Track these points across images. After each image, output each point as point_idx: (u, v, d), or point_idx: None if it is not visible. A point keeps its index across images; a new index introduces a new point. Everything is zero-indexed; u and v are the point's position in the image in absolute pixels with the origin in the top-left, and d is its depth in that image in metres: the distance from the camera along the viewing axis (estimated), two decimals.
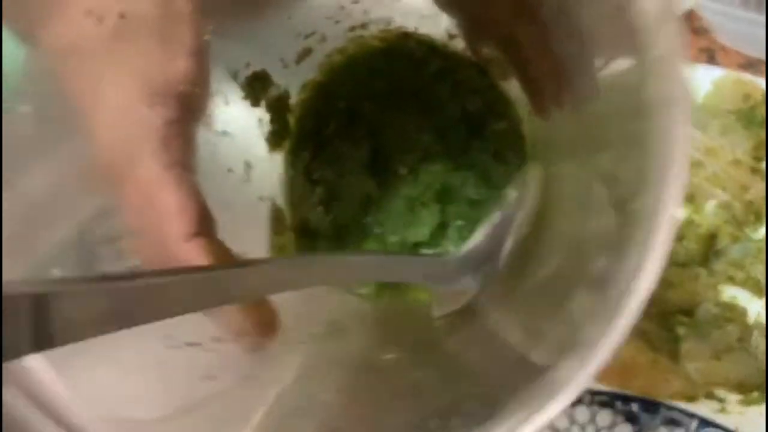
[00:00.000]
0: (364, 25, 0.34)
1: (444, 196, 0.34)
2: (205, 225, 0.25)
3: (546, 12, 0.29)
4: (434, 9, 0.31)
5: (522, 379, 0.24)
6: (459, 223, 0.34)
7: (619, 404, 0.38)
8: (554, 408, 0.22)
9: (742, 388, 0.42)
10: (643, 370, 0.41)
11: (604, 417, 0.38)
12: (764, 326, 0.44)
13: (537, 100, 0.32)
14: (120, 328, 0.19)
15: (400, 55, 0.35)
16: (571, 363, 0.22)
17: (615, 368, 0.41)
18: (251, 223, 0.34)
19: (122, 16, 0.24)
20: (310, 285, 0.26)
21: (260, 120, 0.35)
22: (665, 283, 0.47)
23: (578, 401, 0.38)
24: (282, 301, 0.28)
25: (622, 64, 0.25)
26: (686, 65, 0.22)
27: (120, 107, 0.25)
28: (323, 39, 0.35)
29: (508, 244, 0.30)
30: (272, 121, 0.35)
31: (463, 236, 0.34)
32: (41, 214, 0.29)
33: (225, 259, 0.25)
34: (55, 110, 0.27)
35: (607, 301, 0.23)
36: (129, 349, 0.27)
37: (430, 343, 0.32)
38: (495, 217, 0.31)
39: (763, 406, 0.40)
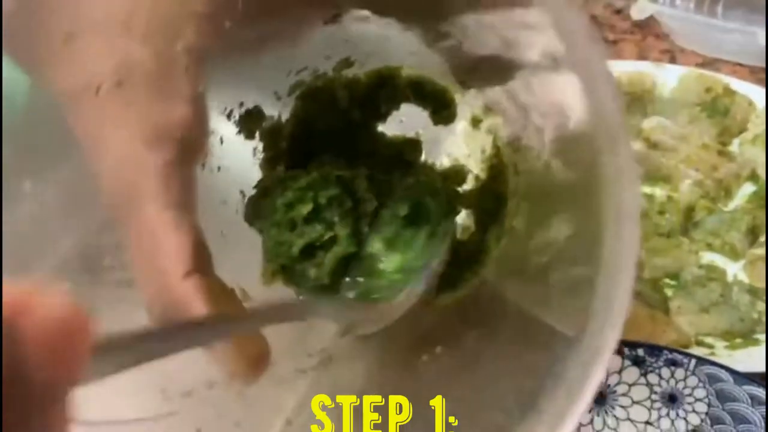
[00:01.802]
0: (348, 59, 0.36)
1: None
2: (201, 262, 0.26)
3: None
4: (421, 47, 0.34)
5: (558, 352, 0.25)
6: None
7: (626, 350, 0.43)
8: (601, 369, 0.24)
9: (727, 335, 0.47)
10: (644, 323, 0.47)
11: (614, 362, 0.43)
12: (743, 283, 0.50)
13: None
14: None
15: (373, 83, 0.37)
16: (597, 326, 0.24)
17: None
18: (246, 252, 0.35)
19: (129, 68, 0.26)
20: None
21: (255, 149, 0.36)
22: (653, 251, 0.52)
23: None
24: (271, 334, 0.27)
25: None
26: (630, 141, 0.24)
27: (122, 150, 0.26)
28: (315, 72, 0.36)
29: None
30: (266, 149, 0.36)
31: None
32: (43, 229, 0.31)
33: (220, 294, 0.26)
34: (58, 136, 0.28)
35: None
36: (131, 403, 0.29)
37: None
38: None
39: (748, 350, 0.46)
